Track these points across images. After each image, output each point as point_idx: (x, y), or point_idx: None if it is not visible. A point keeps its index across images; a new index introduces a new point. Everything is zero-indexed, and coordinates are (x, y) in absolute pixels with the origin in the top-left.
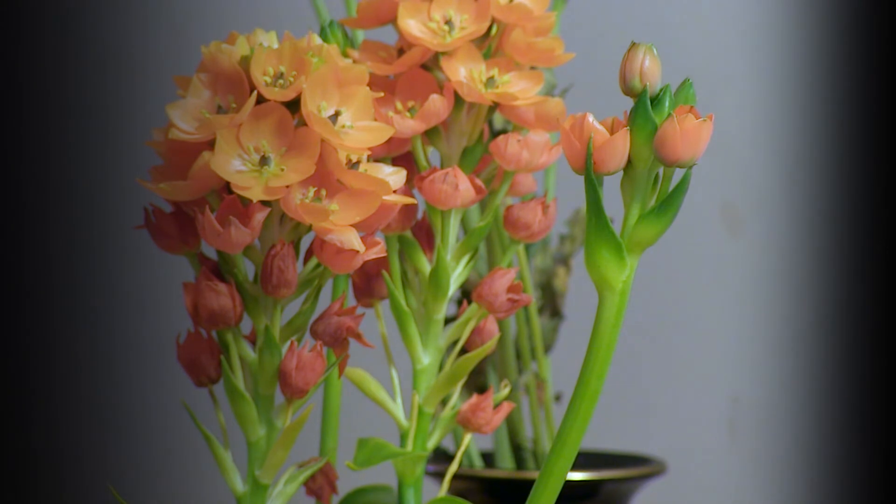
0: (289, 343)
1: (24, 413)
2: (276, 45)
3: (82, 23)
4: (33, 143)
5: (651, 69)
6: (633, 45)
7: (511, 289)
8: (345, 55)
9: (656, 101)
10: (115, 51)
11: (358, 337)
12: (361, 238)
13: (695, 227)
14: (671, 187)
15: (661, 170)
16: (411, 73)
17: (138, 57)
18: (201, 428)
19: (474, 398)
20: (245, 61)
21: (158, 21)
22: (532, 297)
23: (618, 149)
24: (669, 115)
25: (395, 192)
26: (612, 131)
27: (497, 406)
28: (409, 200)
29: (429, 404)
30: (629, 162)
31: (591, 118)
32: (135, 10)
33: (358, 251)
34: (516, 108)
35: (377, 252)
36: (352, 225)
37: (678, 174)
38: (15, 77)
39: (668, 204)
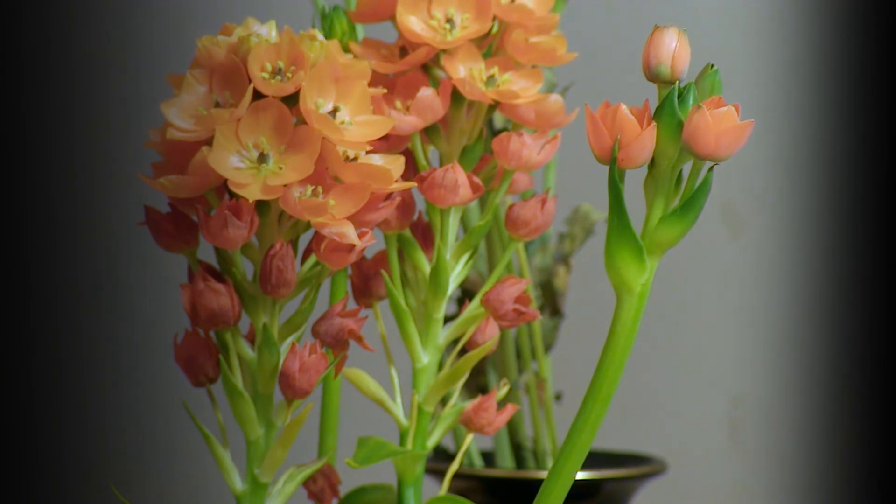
0: (289, 344)
1: (25, 413)
2: (274, 34)
3: (83, 19)
4: (34, 141)
5: (681, 54)
6: (659, 28)
7: (519, 299)
8: (346, 49)
9: (681, 96)
10: (115, 46)
11: (359, 340)
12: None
13: (695, 227)
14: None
15: (684, 169)
16: (411, 74)
17: (136, 52)
18: (200, 427)
19: (478, 399)
20: (243, 44)
21: (158, 17)
22: (538, 312)
23: (645, 145)
24: (699, 105)
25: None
26: (638, 121)
27: (501, 407)
28: (409, 185)
29: (428, 403)
30: (653, 160)
31: (624, 109)
32: (135, 6)
33: (354, 245)
34: (516, 106)
35: (368, 240)
36: (349, 218)
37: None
38: (15, 75)
39: (690, 205)
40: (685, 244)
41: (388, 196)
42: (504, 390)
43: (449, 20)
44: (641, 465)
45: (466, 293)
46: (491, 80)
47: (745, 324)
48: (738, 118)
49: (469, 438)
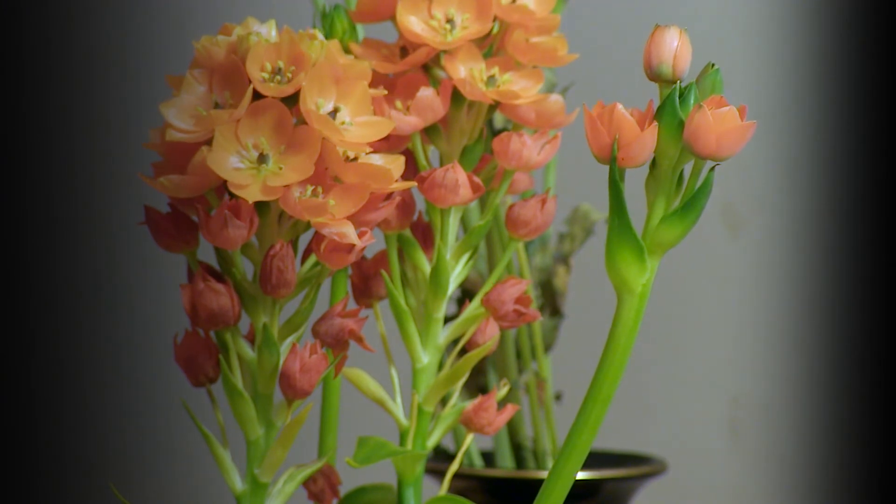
0: (289, 344)
1: (25, 413)
2: (273, 33)
3: (83, 19)
4: (34, 141)
5: (683, 54)
6: (660, 27)
7: (520, 300)
8: (346, 49)
9: (682, 95)
10: (115, 46)
11: (359, 340)
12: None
13: (696, 228)
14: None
15: (685, 169)
16: (412, 74)
17: (136, 52)
18: (200, 427)
19: (478, 399)
20: (242, 43)
21: (158, 17)
22: (538, 313)
23: (646, 144)
24: (700, 105)
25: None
26: (637, 122)
27: (501, 407)
28: (409, 185)
29: (428, 403)
30: (654, 160)
31: (621, 108)
32: (135, 6)
33: (354, 245)
34: (517, 106)
35: (368, 240)
36: (349, 217)
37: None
38: (15, 75)
39: (692, 205)
40: (685, 244)
41: (388, 196)
42: (504, 390)
43: (449, 20)
44: (641, 465)
45: (466, 293)
46: (491, 80)
47: (745, 324)
48: (744, 119)
49: (469, 438)
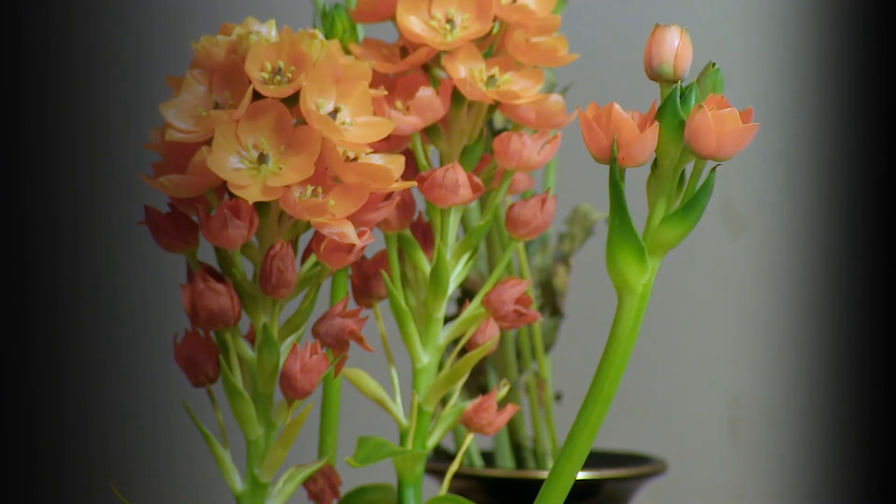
0: (289, 344)
1: (25, 412)
2: (273, 33)
3: (83, 19)
4: (34, 141)
5: (683, 53)
6: (661, 26)
7: (520, 301)
8: (346, 49)
9: (683, 95)
10: (115, 46)
11: (360, 340)
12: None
13: (696, 227)
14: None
15: (686, 169)
16: (412, 74)
17: (136, 52)
18: (200, 427)
19: (478, 399)
20: (242, 42)
21: (158, 17)
22: (539, 314)
23: (647, 144)
24: (700, 105)
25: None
26: (639, 124)
27: (501, 407)
28: (409, 185)
29: (428, 403)
30: (655, 160)
31: (618, 108)
32: (135, 6)
33: (354, 244)
34: (517, 106)
35: (368, 239)
36: (349, 217)
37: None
38: (15, 75)
39: (692, 205)
40: (685, 244)
41: (388, 196)
42: (504, 390)
43: (449, 20)
44: (641, 465)
45: (466, 293)
46: (491, 80)
47: (745, 324)
48: (749, 121)
49: (469, 438)
